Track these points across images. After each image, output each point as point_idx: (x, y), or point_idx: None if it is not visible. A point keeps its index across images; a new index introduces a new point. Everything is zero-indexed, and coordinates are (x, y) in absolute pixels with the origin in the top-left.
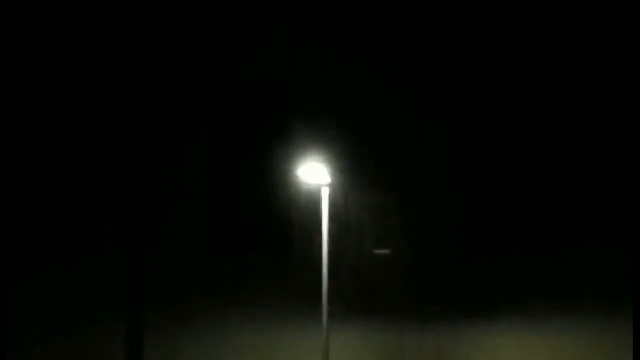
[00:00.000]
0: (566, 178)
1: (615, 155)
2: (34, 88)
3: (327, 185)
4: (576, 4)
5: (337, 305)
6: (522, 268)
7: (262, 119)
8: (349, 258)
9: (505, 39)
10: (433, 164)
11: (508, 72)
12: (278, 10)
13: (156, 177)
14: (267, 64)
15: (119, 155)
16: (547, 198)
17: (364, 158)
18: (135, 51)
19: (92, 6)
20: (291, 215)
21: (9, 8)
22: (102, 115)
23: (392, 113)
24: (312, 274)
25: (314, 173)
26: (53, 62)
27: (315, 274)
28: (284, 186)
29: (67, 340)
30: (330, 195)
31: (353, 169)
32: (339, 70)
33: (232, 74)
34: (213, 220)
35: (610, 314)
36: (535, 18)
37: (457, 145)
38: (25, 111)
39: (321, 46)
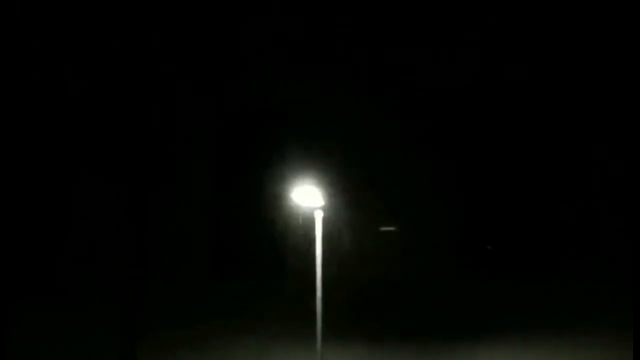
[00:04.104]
0: (565, 203)
1: (615, 182)
2: (29, 124)
3: (320, 208)
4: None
5: (332, 329)
6: (521, 293)
7: (259, 143)
8: (344, 281)
9: (507, 65)
10: (429, 187)
11: (508, 100)
12: (277, 35)
13: (154, 202)
14: (264, 89)
15: (118, 178)
16: (547, 222)
17: (359, 181)
18: (132, 75)
19: (90, 29)
20: (286, 239)
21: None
22: (100, 143)
23: (388, 137)
24: (307, 298)
25: (308, 196)
26: (47, 86)
27: (310, 297)
28: (279, 209)
29: None
30: (324, 218)
31: (347, 191)
32: (336, 94)
33: (230, 100)
34: (211, 245)
35: (611, 339)
36: (533, 41)
37: (454, 169)
38: (20, 145)
39: (319, 71)
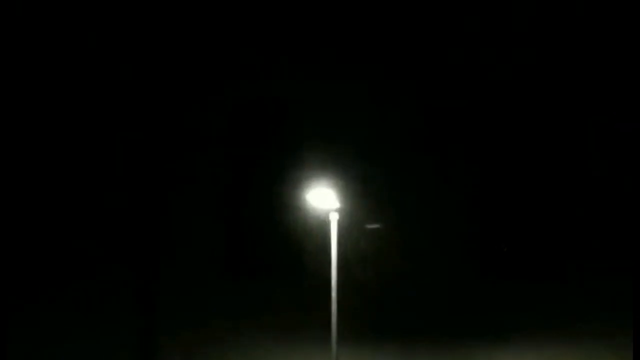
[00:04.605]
0: (574, 211)
1: (620, 191)
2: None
3: (336, 210)
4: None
5: (347, 329)
6: (533, 295)
7: (274, 146)
8: (360, 282)
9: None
10: (446, 191)
11: (521, 104)
12: (290, 39)
13: (170, 202)
14: (278, 91)
15: (133, 176)
16: (557, 230)
17: (375, 184)
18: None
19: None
20: (301, 240)
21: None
22: (113, 145)
23: (404, 139)
24: (323, 298)
25: (323, 198)
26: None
27: (325, 298)
28: (294, 211)
29: None
30: (339, 220)
31: (363, 194)
32: (350, 97)
33: (244, 100)
34: (227, 246)
35: (613, 339)
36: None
37: (471, 174)
38: (26, 146)
39: (334, 74)
